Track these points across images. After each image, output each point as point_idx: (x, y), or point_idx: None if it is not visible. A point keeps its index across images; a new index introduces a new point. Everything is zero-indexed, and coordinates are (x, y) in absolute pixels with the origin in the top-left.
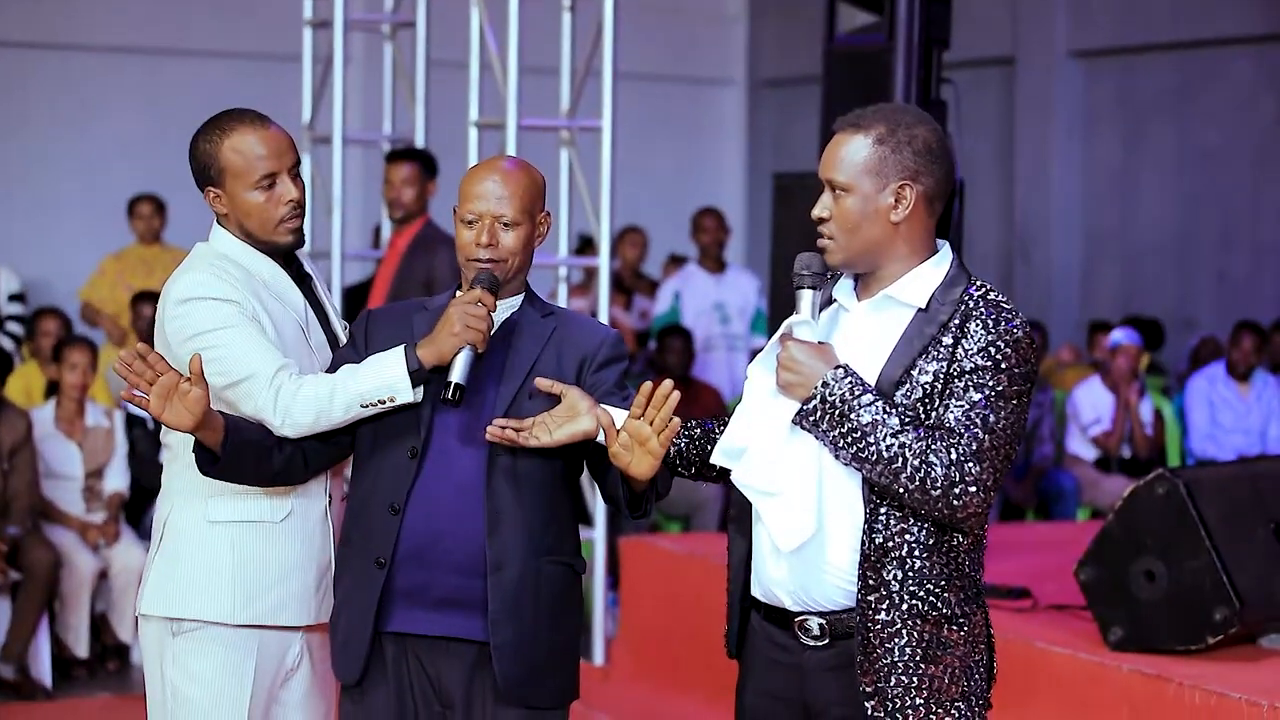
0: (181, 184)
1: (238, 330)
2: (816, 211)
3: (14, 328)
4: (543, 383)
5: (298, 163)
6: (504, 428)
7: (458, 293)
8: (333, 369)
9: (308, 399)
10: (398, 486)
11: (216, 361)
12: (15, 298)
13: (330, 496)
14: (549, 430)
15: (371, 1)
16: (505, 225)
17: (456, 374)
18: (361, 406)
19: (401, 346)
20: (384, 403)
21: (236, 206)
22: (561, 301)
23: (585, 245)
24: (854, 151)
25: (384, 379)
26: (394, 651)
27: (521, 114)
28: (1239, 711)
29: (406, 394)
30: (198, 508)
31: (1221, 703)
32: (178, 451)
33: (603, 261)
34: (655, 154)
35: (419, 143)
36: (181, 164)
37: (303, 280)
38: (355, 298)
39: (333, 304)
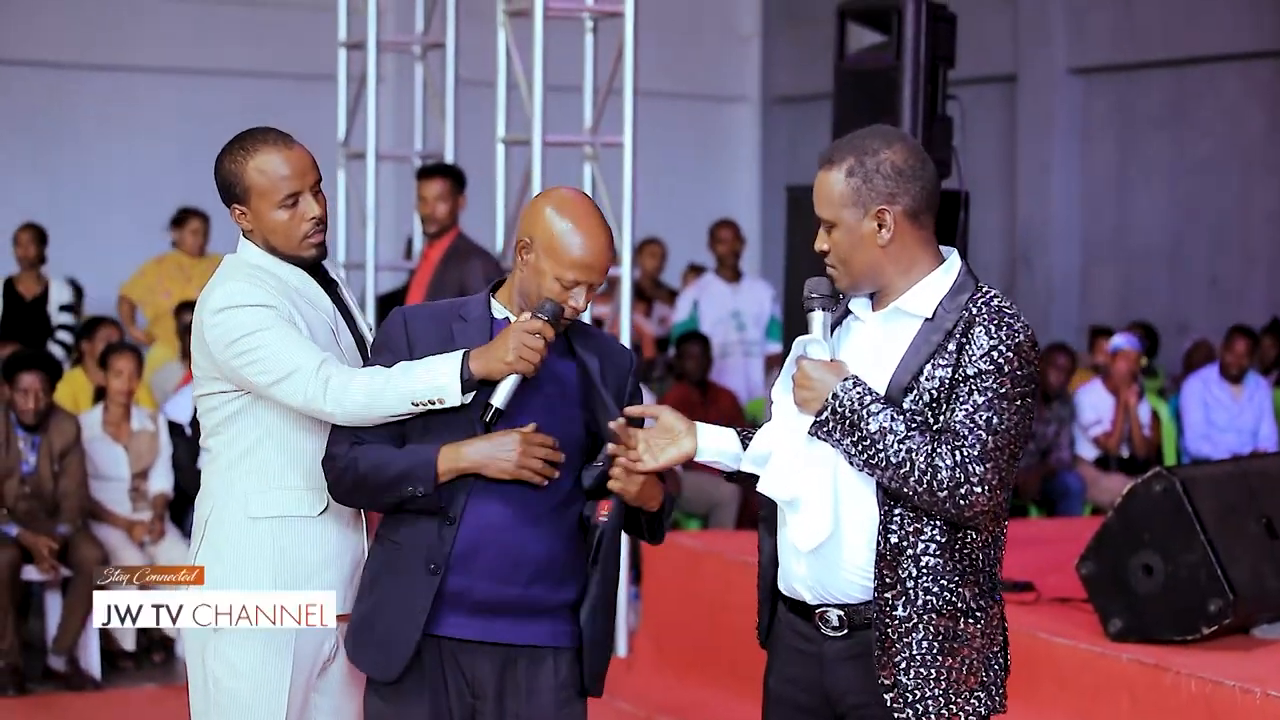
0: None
1: (276, 331)
2: (817, 245)
3: (64, 336)
4: (634, 410)
5: (319, 180)
6: (615, 453)
7: (492, 299)
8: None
9: (361, 388)
10: (454, 495)
11: (260, 361)
12: (65, 308)
13: None
14: (655, 455)
15: (403, 24)
16: (596, 286)
17: (499, 398)
18: (412, 405)
19: (460, 353)
20: (432, 403)
21: (262, 223)
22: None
23: None
24: (831, 187)
25: (437, 382)
26: (432, 652)
27: (546, 130)
28: (1232, 698)
29: (455, 398)
30: (237, 505)
31: (1216, 690)
32: (217, 453)
33: (624, 271)
34: (674, 168)
35: (448, 158)
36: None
37: (328, 285)
38: (388, 306)
39: (357, 306)
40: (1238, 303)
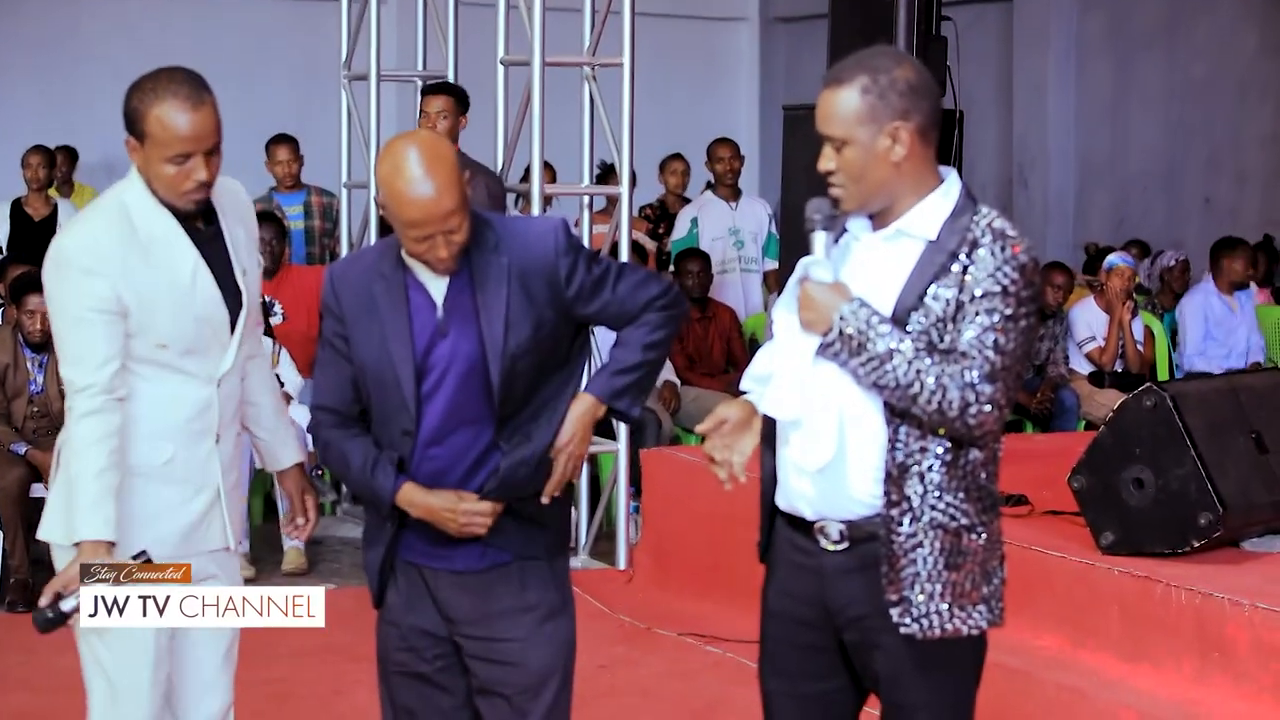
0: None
1: (83, 330)
2: (822, 165)
3: None
4: (704, 427)
5: (218, 143)
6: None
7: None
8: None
9: (82, 468)
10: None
11: (63, 349)
12: None
13: (219, 436)
14: (741, 451)
15: None
16: (454, 230)
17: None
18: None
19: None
20: None
21: (149, 168)
22: (585, 229)
23: (607, 174)
24: (843, 105)
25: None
26: (408, 574)
27: (546, 52)
28: (1221, 610)
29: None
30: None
31: (1206, 602)
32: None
33: (623, 190)
34: (672, 88)
35: (450, 79)
36: (227, 108)
37: (211, 228)
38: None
39: (244, 248)
40: (1231, 222)
